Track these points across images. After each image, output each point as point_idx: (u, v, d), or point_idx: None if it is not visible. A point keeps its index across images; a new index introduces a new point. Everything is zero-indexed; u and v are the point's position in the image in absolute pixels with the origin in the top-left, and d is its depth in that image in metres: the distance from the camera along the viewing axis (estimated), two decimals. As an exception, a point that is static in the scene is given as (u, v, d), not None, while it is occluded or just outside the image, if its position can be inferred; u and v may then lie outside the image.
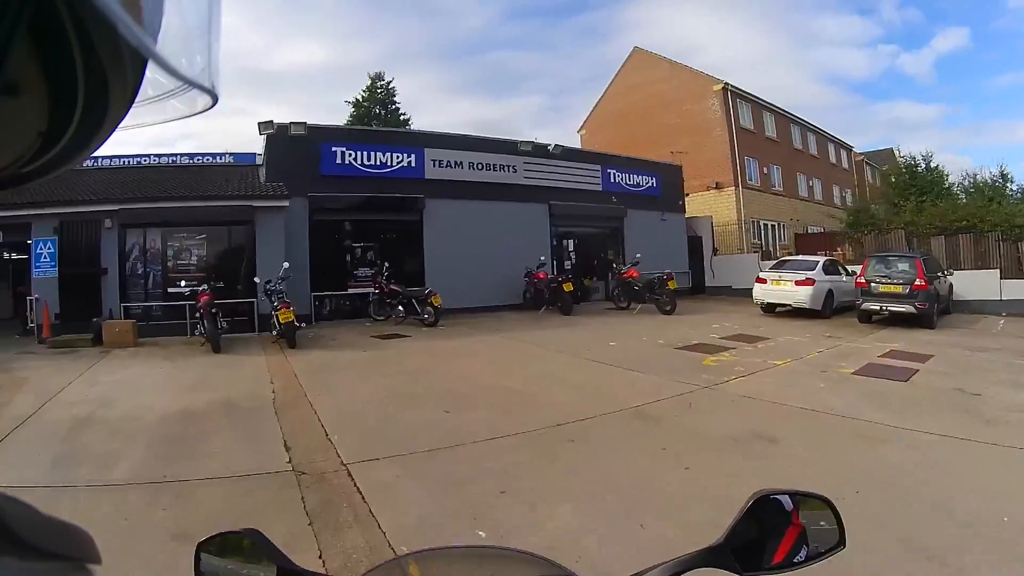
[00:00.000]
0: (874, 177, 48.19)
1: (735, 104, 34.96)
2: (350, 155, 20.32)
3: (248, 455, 6.69)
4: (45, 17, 0.37)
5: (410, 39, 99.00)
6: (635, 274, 21.03)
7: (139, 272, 17.74)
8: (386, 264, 19.17)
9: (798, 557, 1.19)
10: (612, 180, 26.30)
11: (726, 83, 34.70)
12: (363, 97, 41.04)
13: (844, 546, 1.23)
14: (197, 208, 17.28)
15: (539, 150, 23.84)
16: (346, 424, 7.89)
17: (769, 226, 35.70)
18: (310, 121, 19.96)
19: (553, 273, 22.15)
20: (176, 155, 22.02)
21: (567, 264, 25.18)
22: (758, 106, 37.15)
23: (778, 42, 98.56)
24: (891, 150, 45.56)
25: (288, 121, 19.60)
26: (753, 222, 34.23)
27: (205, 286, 15.51)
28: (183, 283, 16.39)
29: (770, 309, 19.51)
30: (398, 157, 21.09)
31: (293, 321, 14.26)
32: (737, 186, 33.80)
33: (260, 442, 7.21)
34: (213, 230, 18.09)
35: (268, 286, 15.35)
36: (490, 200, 22.12)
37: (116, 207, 16.96)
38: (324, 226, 20.06)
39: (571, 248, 25.92)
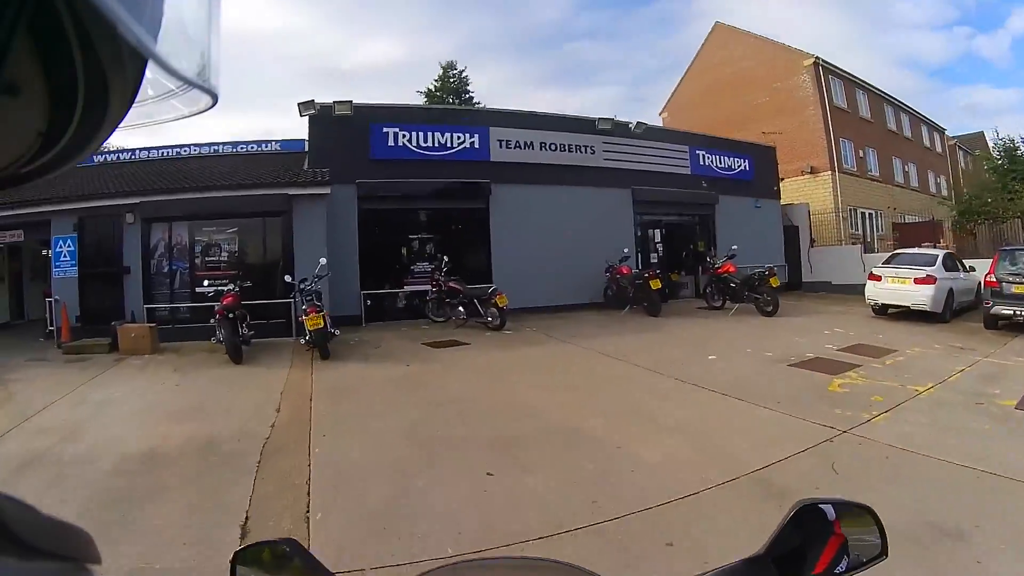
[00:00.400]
0: (967, 163, 43.81)
1: (827, 80, 30.89)
2: (404, 136, 17.59)
3: (186, 537, 4.59)
4: (45, 17, 0.37)
5: (485, 32, 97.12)
6: (731, 269, 17.73)
7: (164, 271, 15.75)
8: (445, 258, 16.20)
9: (839, 567, 1.15)
10: (701, 163, 22.84)
11: (817, 57, 30.76)
12: (435, 87, 38.66)
13: (886, 556, 1.20)
14: (226, 199, 15.15)
15: (619, 129, 20.53)
16: (342, 492, 5.44)
17: (866, 215, 31.61)
18: (358, 100, 17.49)
19: (638, 267, 18.98)
20: (216, 144, 20.06)
21: (653, 257, 21.95)
22: (851, 83, 32.88)
23: (853, 25, 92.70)
24: (981, 134, 41.38)
25: (332, 100, 17.23)
26: (850, 210, 30.22)
27: (233, 286, 13.32)
28: (207, 283, 14.40)
29: (882, 310, 16.24)
30: (459, 138, 18.13)
31: (325, 327, 11.87)
32: (833, 171, 29.87)
33: (215, 514, 5.03)
34: (245, 223, 15.86)
35: (303, 285, 13.03)
36: (565, 185, 19.03)
37: (137, 200, 15.04)
38: (376, 216, 17.60)
39: (657, 239, 22.66)
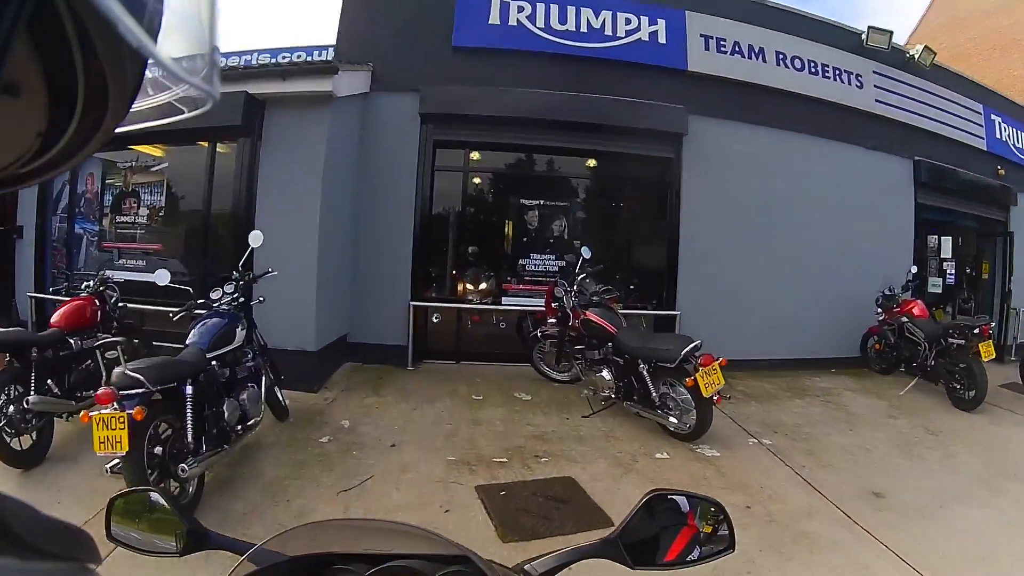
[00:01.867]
0: None
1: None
2: (520, 9, 8.30)
3: None
4: (45, 17, 0.36)
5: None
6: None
7: (64, 236, 8.33)
8: (584, 252, 7.18)
9: (690, 557, 1.16)
10: (998, 134, 12.55)
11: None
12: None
13: (733, 550, 1.19)
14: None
15: (897, 57, 10.67)
16: None
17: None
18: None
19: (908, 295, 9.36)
20: (248, 52, 12.43)
21: (935, 282, 11.91)
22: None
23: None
24: None
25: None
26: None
27: (94, 281, 5.69)
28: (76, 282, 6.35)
29: None
30: (628, 21, 8.50)
31: (141, 450, 3.39)
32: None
33: None
34: (181, 153, 7.84)
35: (219, 297, 4.90)
36: (811, 135, 9.29)
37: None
38: (456, 158, 8.79)
39: (946, 252, 12.19)
